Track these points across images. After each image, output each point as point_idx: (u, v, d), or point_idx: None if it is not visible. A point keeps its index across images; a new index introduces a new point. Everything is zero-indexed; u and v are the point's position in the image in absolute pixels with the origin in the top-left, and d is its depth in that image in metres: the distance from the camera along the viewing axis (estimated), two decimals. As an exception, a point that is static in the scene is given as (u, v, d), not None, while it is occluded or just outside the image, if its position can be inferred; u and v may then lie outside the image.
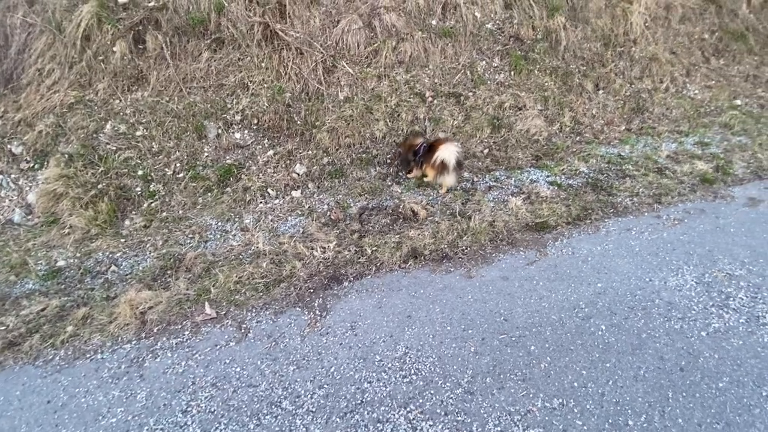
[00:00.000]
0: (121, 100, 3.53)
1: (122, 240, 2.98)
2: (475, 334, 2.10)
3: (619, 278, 2.41)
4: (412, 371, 1.92)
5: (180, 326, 2.28)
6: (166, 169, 3.35)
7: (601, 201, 3.17)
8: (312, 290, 2.48)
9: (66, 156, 3.26)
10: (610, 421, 1.67)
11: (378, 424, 1.71)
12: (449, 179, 3.26)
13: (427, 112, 4.00)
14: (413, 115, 3.93)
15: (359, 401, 1.80)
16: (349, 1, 4.26)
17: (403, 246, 2.76)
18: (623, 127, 4.38)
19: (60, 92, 3.49)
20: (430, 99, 4.05)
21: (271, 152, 3.55)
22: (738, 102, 4.78)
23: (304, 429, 1.70)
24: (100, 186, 3.18)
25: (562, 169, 3.60)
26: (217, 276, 2.59)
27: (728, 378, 1.83)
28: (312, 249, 2.79)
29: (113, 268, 2.79)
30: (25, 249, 2.91)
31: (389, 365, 1.96)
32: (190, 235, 3.01)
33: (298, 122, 3.67)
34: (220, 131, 3.57)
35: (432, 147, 3.31)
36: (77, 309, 2.40)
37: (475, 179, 3.55)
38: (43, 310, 2.42)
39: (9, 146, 3.36)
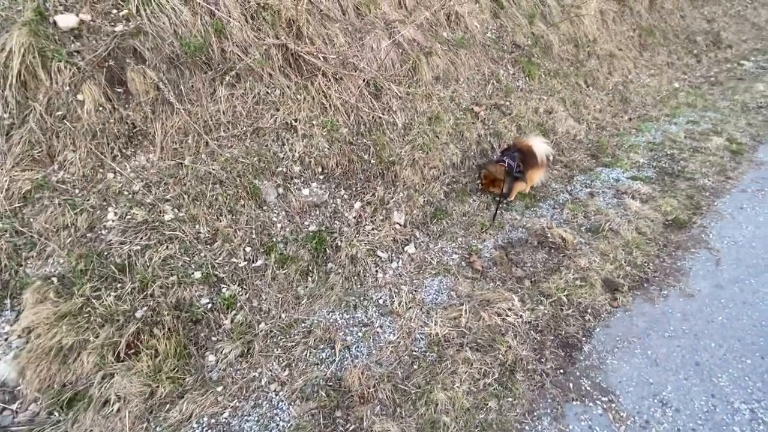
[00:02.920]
0: (117, 173, 2.28)
1: (218, 390, 1.86)
2: (781, 359, 1.84)
3: (800, 256, 2.45)
4: (792, 432, 1.55)
5: (455, 498, 1.45)
6: (234, 260, 2.26)
7: (692, 187, 3.29)
8: (561, 371, 1.89)
9: (53, 280, 1.93)
10: None
11: None
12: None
13: (485, 128, 3.66)
14: (475, 132, 3.54)
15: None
16: (361, 15, 3.67)
17: (592, 280, 2.36)
18: (626, 117, 4.76)
19: (1, 176, 2.08)
20: (482, 114, 3.71)
21: (357, 204, 2.73)
22: (676, 85, 5.69)
23: None
24: (139, 313, 1.95)
25: (627, 164, 3.66)
26: (430, 395, 1.77)
27: None
28: (500, 316, 2.17)
29: (235, 440, 1.70)
30: (40, 469, 1.58)
31: (752, 428, 1.55)
32: (320, 347, 2.05)
33: (372, 161, 2.93)
34: (280, 191, 2.60)
35: (522, 151, 3.00)
36: None
37: (569, 186, 3.35)
38: None
39: None
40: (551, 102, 4.32)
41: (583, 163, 3.74)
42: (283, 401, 1.84)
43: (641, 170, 3.59)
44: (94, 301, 1.90)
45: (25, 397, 1.76)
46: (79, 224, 2.09)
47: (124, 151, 2.37)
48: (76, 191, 2.17)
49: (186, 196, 2.32)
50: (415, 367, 1.95)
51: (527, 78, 4.43)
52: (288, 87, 2.96)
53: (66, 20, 2.46)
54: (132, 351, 1.88)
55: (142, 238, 2.14)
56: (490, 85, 4.08)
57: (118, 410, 1.74)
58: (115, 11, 2.64)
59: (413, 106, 3.41)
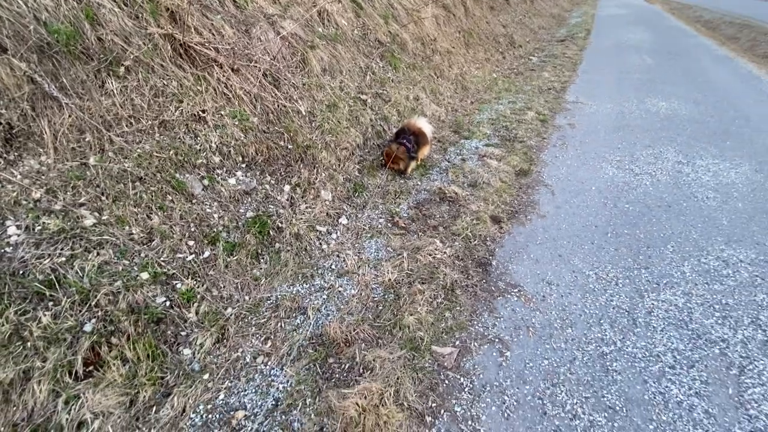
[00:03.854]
0: (4, 182, 1.90)
1: (205, 378, 1.85)
2: (599, 227, 2.86)
3: (604, 172, 3.70)
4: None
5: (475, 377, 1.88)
6: (180, 255, 2.16)
7: (524, 147, 4.45)
8: (483, 281, 2.51)
9: (-44, 314, 1.57)
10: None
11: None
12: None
13: (374, 113, 4.14)
14: (368, 117, 3.99)
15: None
16: (240, 8, 3.68)
17: (483, 218, 3.10)
18: (469, 101, 5.92)
19: None
20: (369, 101, 4.18)
21: (287, 188, 2.85)
22: (494, 75, 7.29)
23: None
24: (88, 327, 1.75)
25: (479, 135, 4.69)
26: (401, 321, 2.15)
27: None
28: (431, 255, 2.69)
29: (240, 413, 1.76)
30: None
31: (599, 284, 2.45)
32: (292, 316, 2.21)
33: (289, 147, 3.07)
34: (205, 182, 2.54)
35: (415, 133, 3.63)
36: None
37: (446, 156, 4.13)
38: None
39: None
40: (416, 90, 5.11)
41: (450, 138, 4.61)
42: (274, 368, 1.95)
43: (490, 139, 4.64)
44: (28, 324, 1.63)
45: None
46: (-32, 246, 1.71)
47: (5, 156, 1.98)
48: (-50, 208, 1.75)
49: (105, 198, 2.10)
50: (381, 307, 2.30)
51: (394, 70, 5.11)
52: (185, 78, 2.85)
53: None
54: (92, 367, 1.70)
55: (64, 249, 1.88)
56: (368, 77, 4.59)
57: (99, 427, 1.59)
58: (-63, -12, 2.13)
59: (311, 95, 3.65)
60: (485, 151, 4.26)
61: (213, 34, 3.21)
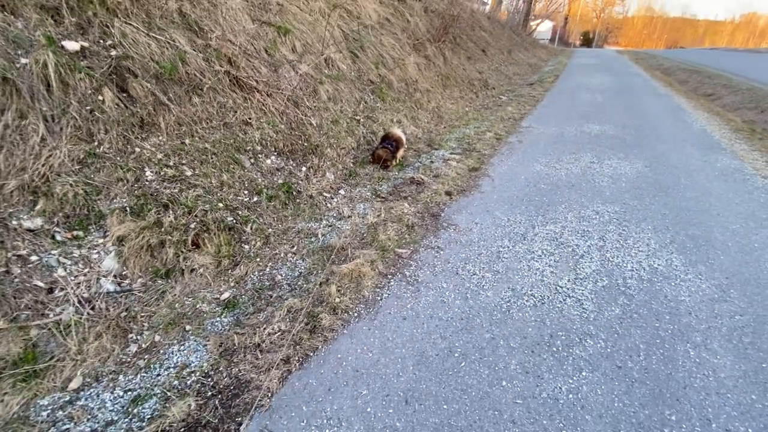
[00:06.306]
0: (142, 148, 3.26)
1: (257, 260, 3.09)
2: (518, 197, 4.16)
3: (533, 168, 5.06)
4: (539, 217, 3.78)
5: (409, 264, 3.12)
6: (240, 198, 3.46)
7: (481, 155, 5.87)
8: (434, 223, 3.79)
9: (127, 209, 2.85)
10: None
11: (537, 236, 3.50)
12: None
13: (365, 129, 5.59)
14: (360, 131, 5.44)
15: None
16: (270, 55, 5.25)
17: (440, 192, 4.42)
18: (442, 126, 7.45)
19: (59, 149, 2.86)
20: (362, 121, 5.65)
21: (304, 168, 4.21)
22: (467, 109, 8.92)
23: (521, 251, 3.28)
24: (192, 225, 3.02)
25: (447, 147, 6.12)
26: (378, 238, 3.41)
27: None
28: (400, 211, 3.98)
29: (279, 276, 2.99)
30: (168, 304, 2.57)
31: (508, 222, 3.73)
32: (309, 238, 3.47)
33: (305, 144, 4.46)
34: (252, 160, 3.89)
35: (395, 140, 5.05)
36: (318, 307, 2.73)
37: (419, 159, 5.53)
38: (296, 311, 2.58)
39: (16, 222, 2.53)
40: (399, 116, 6.64)
41: (424, 149, 6.04)
42: (299, 260, 3.19)
43: (455, 150, 6.08)
44: (162, 219, 2.91)
45: (132, 276, 2.66)
46: (128, 178, 3.03)
47: (141, 135, 3.35)
48: (118, 158, 3.09)
49: (196, 162, 3.45)
50: (365, 234, 3.56)
51: (382, 102, 6.67)
52: (237, 98, 4.31)
53: (71, 45, 3.36)
54: (195, 246, 2.95)
55: (176, 186, 3.19)
56: (361, 105, 6.12)
57: (202, 273, 2.82)
58: (101, 41, 3.61)
59: (320, 114, 5.11)
60: (449, 157, 5.67)
61: (254, 72, 4.73)
